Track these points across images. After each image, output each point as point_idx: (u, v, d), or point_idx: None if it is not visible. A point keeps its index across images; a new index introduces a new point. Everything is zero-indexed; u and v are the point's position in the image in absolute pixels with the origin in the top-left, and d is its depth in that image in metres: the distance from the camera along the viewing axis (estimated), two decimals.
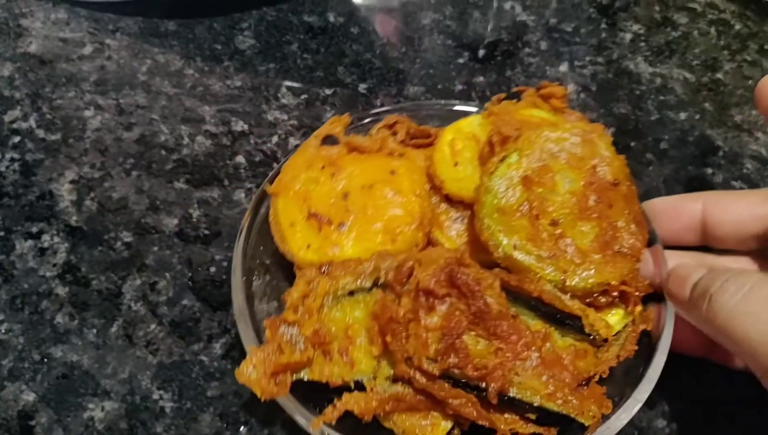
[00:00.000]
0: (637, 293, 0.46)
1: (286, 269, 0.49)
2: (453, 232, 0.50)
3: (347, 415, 0.41)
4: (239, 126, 0.65)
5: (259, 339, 0.45)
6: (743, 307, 0.38)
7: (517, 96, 0.55)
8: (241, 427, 0.47)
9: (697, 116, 0.69)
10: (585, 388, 0.41)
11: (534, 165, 0.46)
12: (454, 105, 0.59)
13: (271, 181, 0.51)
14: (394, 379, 0.42)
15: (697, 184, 0.63)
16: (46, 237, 0.56)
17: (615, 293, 0.45)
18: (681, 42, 0.76)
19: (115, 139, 0.63)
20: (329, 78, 0.70)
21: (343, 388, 0.42)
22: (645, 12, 0.80)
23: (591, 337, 0.42)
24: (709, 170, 0.64)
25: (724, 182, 0.63)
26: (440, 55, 0.73)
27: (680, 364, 0.46)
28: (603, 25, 0.78)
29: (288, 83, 0.69)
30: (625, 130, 0.67)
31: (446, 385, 0.40)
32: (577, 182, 0.46)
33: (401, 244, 0.47)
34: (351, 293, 0.44)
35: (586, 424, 0.41)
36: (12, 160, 0.62)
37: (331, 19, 0.76)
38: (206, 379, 0.49)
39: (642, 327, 0.46)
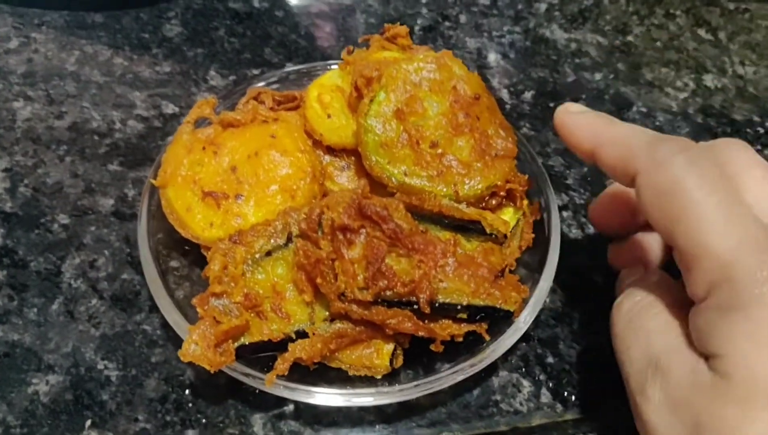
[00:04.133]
0: (521, 188, 0.51)
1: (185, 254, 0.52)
2: (343, 179, 0.53)
3: (294, 368, 0.43)
4: (170, 108, 0.66)
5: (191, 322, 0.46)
6: (622, 333, 0.40)
7: (365, 44, 0.60)
8: (186, 390, 0.48)
9: (612, 76, 0.72)
10: (502, 279, 0.45)
11: (401, 97, 0.50)
12: (287, 69, 0.64)
13: (155, 176, 0.52)
14: (332, 319, 0.44)
15: None
16: None
17: (502, 193, 0.50)
18: (593, 9, 0.80)
19: (47, 127, 0.64)
20: (256, 59, 0.72)
21: (280, 345, 0.44)
22: None
23: (493, 235, 0.46)
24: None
25: None
26: (363, 32, 0.75)
27: None
28: None
29: (216, 66, 0.70)
30: (544, 92, 0.70)
31: (382, 308, 0.42)
32: (443, 104, 0.50)
33: (301, 199, 0.49)
34: (268, 253, 0.46)
35: (512, 310, 0.45)
36: None
37: (256, 4, 0.78)
38: (150, 347, 0.50)
39: (533, 217, 0.52)
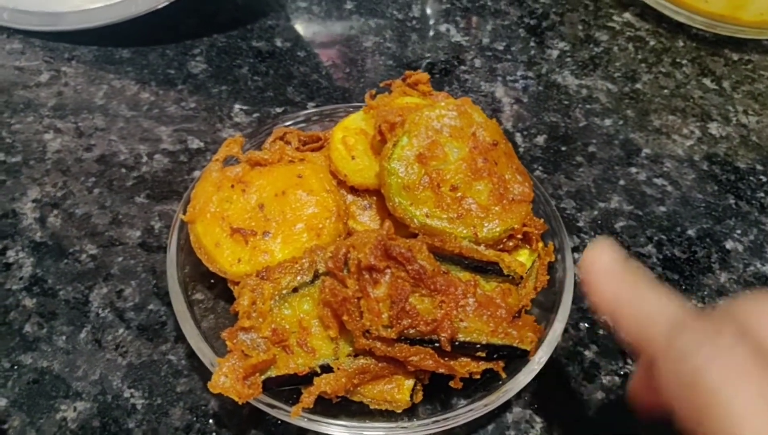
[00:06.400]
0: (536, 231, 0.53)
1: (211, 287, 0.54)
2: (366, 218, 0.55)
3: (317, 400, 0.45)
4: (195, 144, 0.68)
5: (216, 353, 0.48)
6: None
7: (387, 89, 0.62)
8: (210, 419, 0.50)
9: (621, 122, 0.75)
10: (519, 319, 0.47)
11: (423, 143, 0.52)
12: (311, 110, 0.65)
13: (184, 211, 0.54)
14: (355, 355, 0.46)
15: (624, 181, 0.69)
16: (10, 253, 0.58)
17: (519, 236, 0.52)
18: (603, 57, 0.83)
19: (76, 159, 0.66)
20: (279, 98, 0.74)
21: (306, 378, 0.46)
22: (570, 30, 0.87)
23: (510, 276, 0.48)
24: (634, 170, 0.70)
25: (647, 180, 0.69)
26: (381, 74, 0.78)
27: None
28: (532, 44, 0.84)
29: (240, 103, 0.73)
30: (556, 137, 0.72)
31: (404, 345, 0.44)
32: (463, 149, 0.53)
33: (327, 238, 0.51)
34: (295, 290, 0.47)
35: (528, 349, 0.47)
36: None
37: (279, 44, 0.81)
38: (175, 377, 0.52)
39: (547, 259, 0.54)
